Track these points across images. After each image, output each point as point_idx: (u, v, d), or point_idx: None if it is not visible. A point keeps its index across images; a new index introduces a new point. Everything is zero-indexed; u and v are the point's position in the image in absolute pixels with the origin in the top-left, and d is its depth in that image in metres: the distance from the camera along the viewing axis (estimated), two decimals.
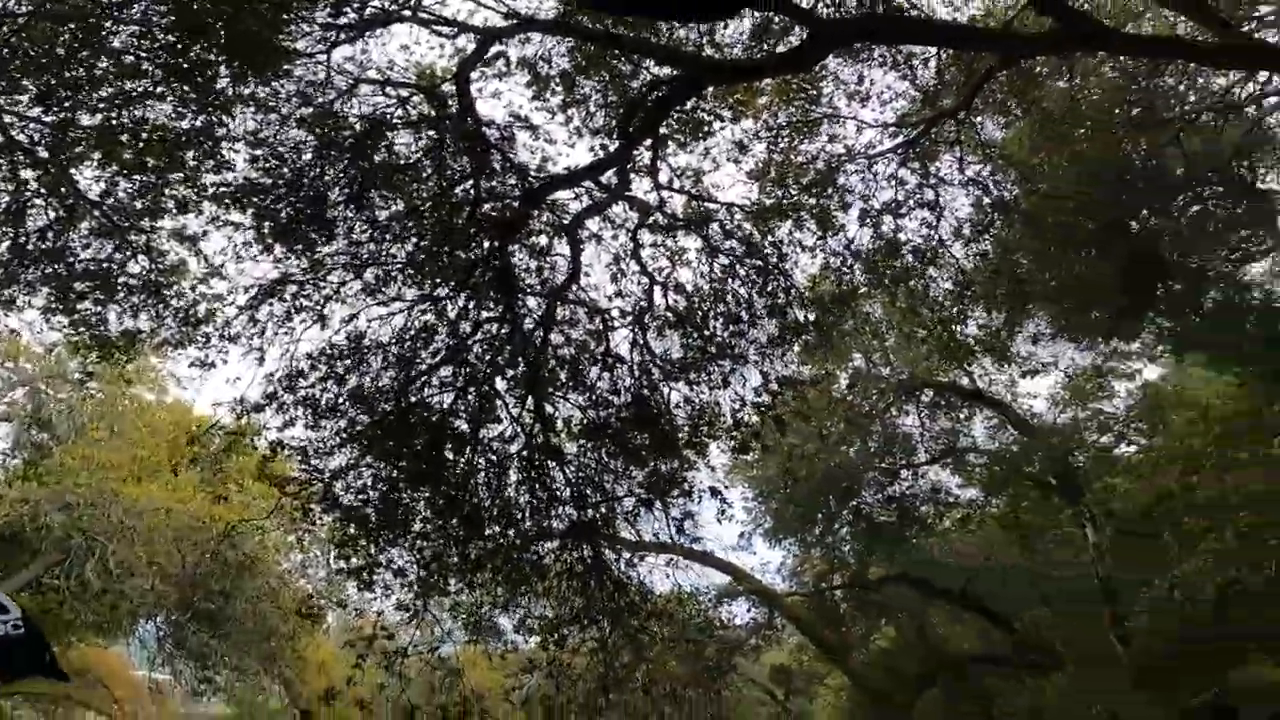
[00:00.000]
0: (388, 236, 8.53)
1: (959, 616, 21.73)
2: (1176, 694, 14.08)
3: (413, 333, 8.45)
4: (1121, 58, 12.28)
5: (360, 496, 8.21)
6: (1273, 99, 14.74)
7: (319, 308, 8.45)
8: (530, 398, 8.49)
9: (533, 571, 9.01)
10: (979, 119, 12.32)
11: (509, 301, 8.75)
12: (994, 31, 9.91)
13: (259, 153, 8.17)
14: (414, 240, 8.61)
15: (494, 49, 9.35)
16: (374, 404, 8.18)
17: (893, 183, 11.57)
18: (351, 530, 8.44)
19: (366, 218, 8.41)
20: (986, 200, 11.86)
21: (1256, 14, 13.84)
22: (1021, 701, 20.43)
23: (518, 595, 9.41)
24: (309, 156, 8.34)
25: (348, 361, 8.35)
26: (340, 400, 8.26)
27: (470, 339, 8.58)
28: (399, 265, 8.51)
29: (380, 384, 8.31)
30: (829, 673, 21.51)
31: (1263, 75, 13.59)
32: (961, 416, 20.10)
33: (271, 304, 8.29)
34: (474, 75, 9.16)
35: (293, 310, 8.37)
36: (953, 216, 11.91)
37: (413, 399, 8.22)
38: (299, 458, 8.38)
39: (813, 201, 11.14)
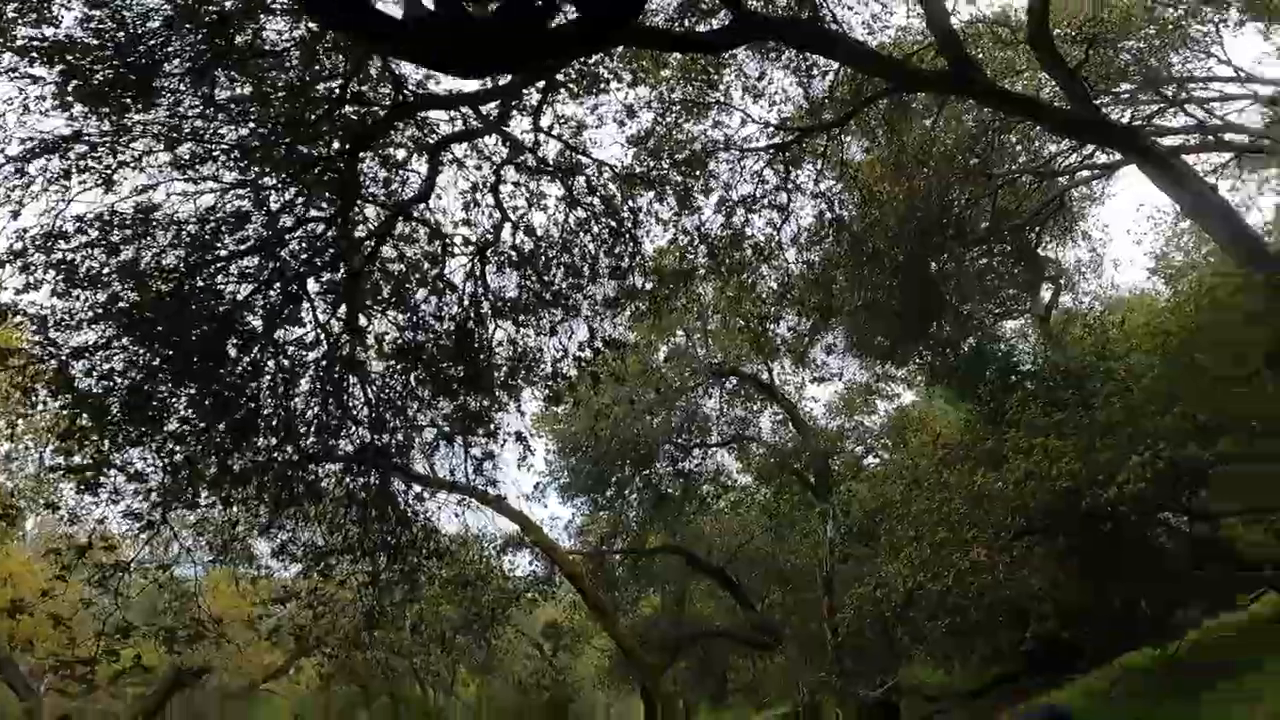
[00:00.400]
0: (221, 116, 7.29)
1: (715, 591, 23.54)
2: (862, 682, 16.45)
3: (220, 217, 7.30)
4: (983, 109, 13.56)
5: (104, 383, 6.94)
6: (1082, 173, 17.35)
7: (108, 172, 7.01)
8: (344, 306, 7.72)
9: (306, 493, 8.24)
10: (848, 138, 13.13)
11: (345, 205, 7.89)
12: (894, 61, 10.52)
13: (96, 13, 6.60)
14: (251, 126, 7.44)
15: None
16: (148, 281, 6.95)
17: (755, 179, 12.04)
18: (84, 421, 7.09)
19: (202, 94, 7.12)
20: (828, 215, 12.71)
21: (1115, 90, 16.14)
22: (748, 676, 22.75)
23: (282, 517, 8.51)
24: (156, 24, 6.87)
25: (127, 231, 7.03)
26: (106, 272, 6.92)
27: (289, 234, 7.62)
28: (226, 147, 7.30)
29: (163, 261, 7.08)
30: (597, 633, 22.27)
31: (1087, 148, 15.93)
32: (754, 408, 21.80)
33: (50, 159, 6.80)
34: None
35: (74, 169, 6.89)
36: (796, 223, 12.67)
37: (200, 284, 7.09)
38: (34, 327, 6.96)
39: (679, 179, 11.32)
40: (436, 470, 9.82)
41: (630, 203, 10.38)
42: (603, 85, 9.90)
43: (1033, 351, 17.69)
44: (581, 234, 9.88)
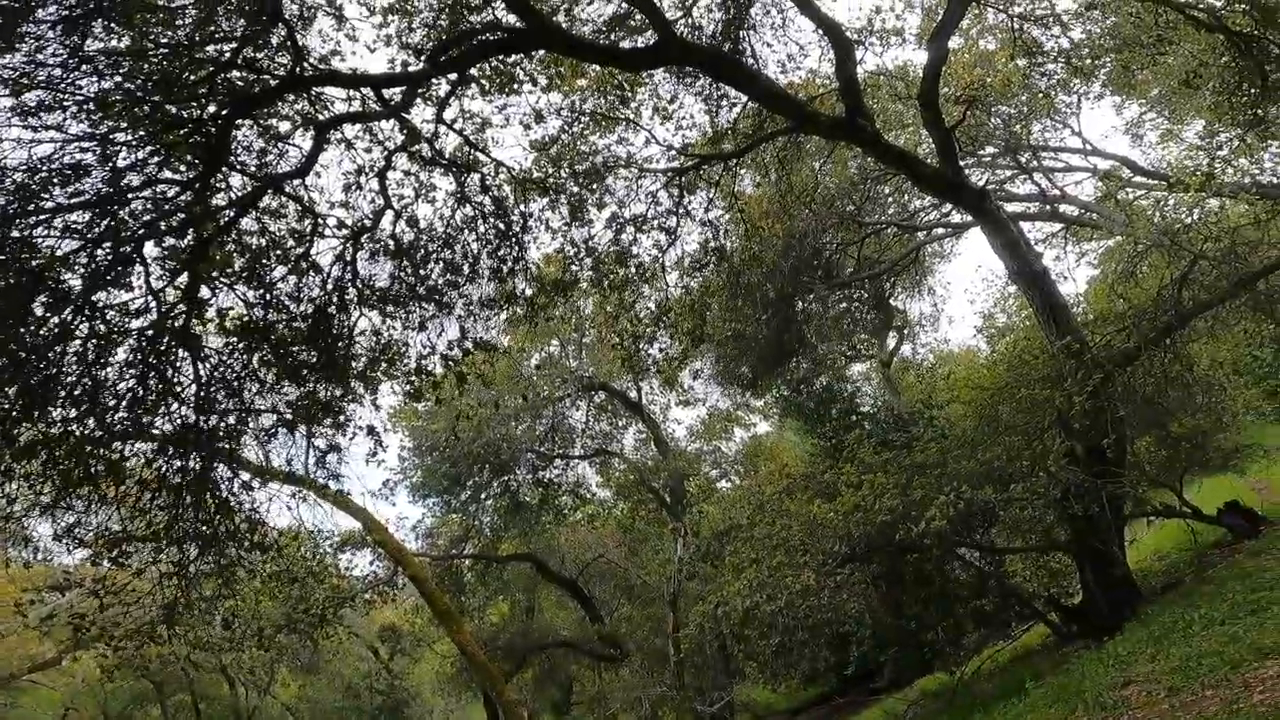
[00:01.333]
0: (85, 68, 6.58)
1: (565, 602, 23.42)
2: (700, 698, 16.93)
3: (54, 167, 6.54)
4: (866, 157, 14.29)
5: None
6: (939, 230, 18.70)
7: None
8: (186, 273, 7.12)
9: (106, 472, 7.17)
10: (743, 170, 13.58)
11: (207, 169, 7.32)
12: (800, 103, 10.85)
13: None
14: (117, 80, 6.76)
15: None
16: None
17: (650, 200, 12.20)
18: None
19: (70, 43, 6.40)
20: (712, 243, 12.98)
21: (980, 153, 17.40)
22: (593, 688, 22.73)
23: (72, 498, 7.45)
24: None
25: None
26: None
27: (134, 193, 6.97)
28: (82, 98, 6.57)
29: None
30: (440, 638, 21.57)
31: (946, 207, 17.18)
32: (620, 424, 22.09)
33: None
34: None
35: None
36: (681, 247, 12.91)
37: (14, 234, 6.31)
38: None
39: (576, 190, 11.30)
40: (272, 459, 9.06)
41: (522, 207, 10.33)
42: (516, 86, 9.83)
43: (873, 394, 19.19)
44: (467, 232, 9.73)
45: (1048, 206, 18.45)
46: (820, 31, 10.91)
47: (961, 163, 14.14)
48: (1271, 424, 18.02)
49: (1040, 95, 16.27)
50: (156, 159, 6.92)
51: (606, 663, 21.59)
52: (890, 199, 17.45)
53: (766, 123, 11.86)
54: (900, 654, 11.28)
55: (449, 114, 9.14)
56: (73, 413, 6.86)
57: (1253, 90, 11.14)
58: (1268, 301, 11.34)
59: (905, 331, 21.77)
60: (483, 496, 19.62)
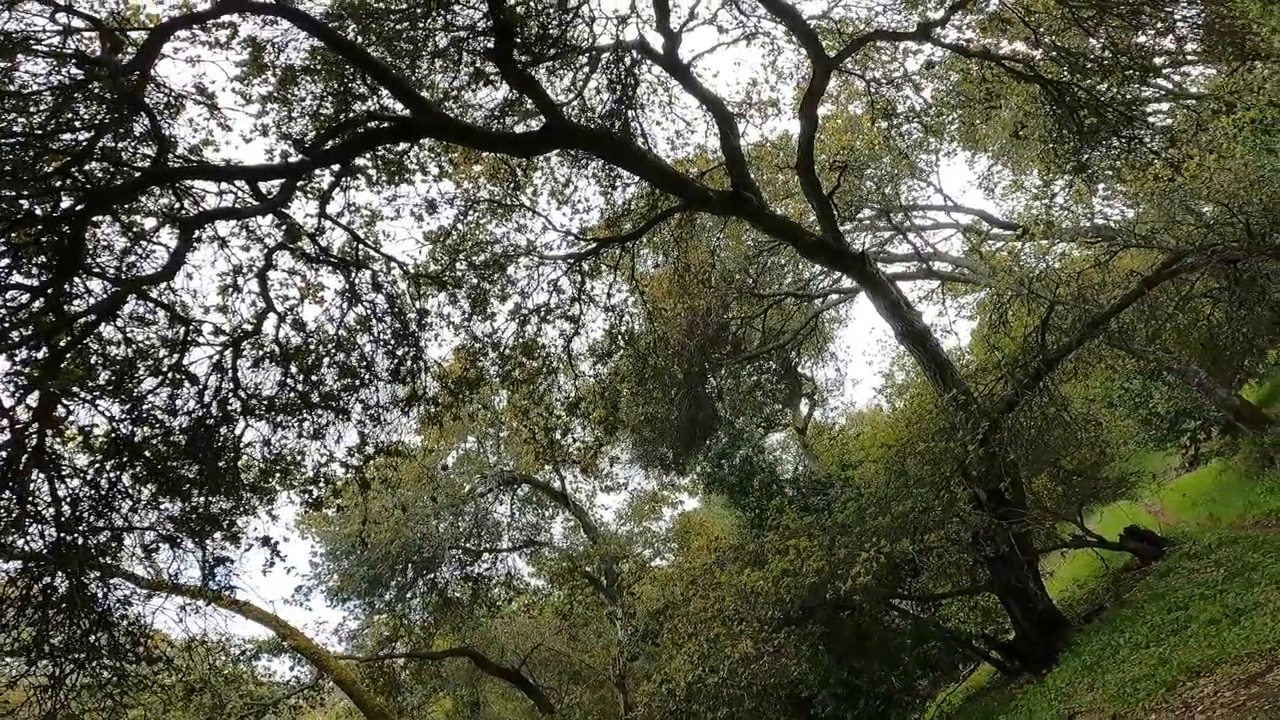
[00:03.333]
0: None
1: (511, 693, 21.58)
2: None
3: None
4: (757, 231, 14.20)
5: None
6: (833, 296, 18.82)
7: None
8: (37, 390, 6.15)
9: None
10: (643, 251, 13.28)
11: (60, 274, 6.48)
12: (687, 180, 10.59)
13: None
14: None
15: (228, 17, 7.46)
16: None
17: (552, 288, 11.58)
18: None
19: None
20: (618, 329, 12.39)
21: (859, 216, 17.64)
22: None
23: None
24: None
25: None
26: None
27: None
28: None
29: None
30: None
31: (836, 274, 17.21)
32: (547, 514, 20.97)
33: None
34: (181, 34, 7.19)
35: None
36: (587, 335, 12.22)
37: None
38: None
39: (475, 282, 10.74)
40: (158, 570, 8.00)
41: (419, 303, 9.69)
42: (407, 176, 9.24)
43: (793, 461, 18.94)
44: (360, 333, 8.98)
45: (923, 265, 18.95)
46: (704, 107, 10.98)
47: (843, 227, 14.40)
48: (1151, 450, 18.63)
49: (900, 156, 16.71)
50: (4, 261, 6.04)
51: None
52: (786, 269, 17.67)
53: (660, 202, 11.64)
54: (860, 710, 10.60)
55: (334, 207, 8.54)
56: None
57: (1073, 137, 11.63)
58: (1122, 338, 11.72)
59: (815, 398, 21.88)
60: (408, 595, 17.98)
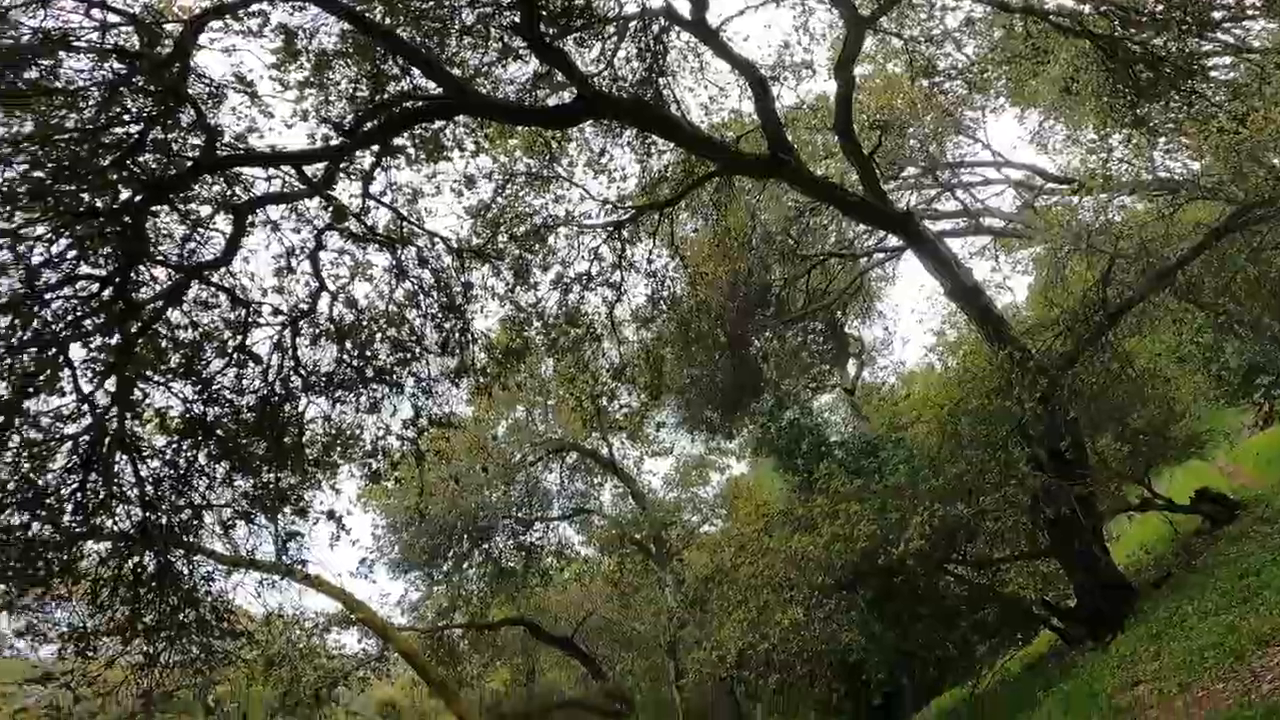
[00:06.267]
0: None
1: (565, 662, 22.42)
2: None
3: None
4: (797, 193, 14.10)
5: None
6: (879, 255, 18.64)
7: None
8: (113, 375, 6.61)
9: (60, 573, 6.92)
10: (681, 216, 13.29)
11: (127, 264, 6.89)
12: (722, 145, 10.63)
13: None
14: (23, 168, 6.39)
15: (258, 5, 7.64)
16: None
17: (592, 256, 11.78)
18: None
19: None
20: (660, 294, 12.61)
21: (903, 175, 17.40)
22: None
23: (26, 598, 7.19)
24: None
25: None
26: None
27: (53, 292, 6.50)
28: None
29: None
30: (440, 710, 20.38)
31: (881, 233, 17.09)
32: (595, 481, 21.42)
33: None
34: (214, 24, 7.37)
35: None
36: (629, 301, 12.46)
37: None
38: None
39: (517, 253, 10.90)
40: (236, 547, 8.59)
41: (463, 276, 9.94)
42: (444, 153, 9.38)
43: (841, 423, 18.87)
44: (409, 308, 9.29)
45: (973, 221, 18.61)
46: (736, 71, 10.84)
47: (886, 186, 14.11)
48: (1223, 408, 17.95)
49: (944, 114, 16.37)
50: (73, 253, 6.45)
51: (614, 718, 20.59)
52: (829, 229, 17.42)
53: (696, 167, 11.61)
54: (911, 675, 10.79)
55: (376, 187, 8.74)
56: (14, 520, 6.50)
57: (1129, 92, 11.22)
58: (1189, 290, 11.28)
59: (863, 358, 21.63)
60: (465, 566, 18.74)
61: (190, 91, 7.19)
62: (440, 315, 9.47)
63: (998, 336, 10.72)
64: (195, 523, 7.45)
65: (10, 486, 6.32)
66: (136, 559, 7.18)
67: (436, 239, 9.57)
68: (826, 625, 10.50)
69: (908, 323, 63.24)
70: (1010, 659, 11.60)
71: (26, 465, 6.39)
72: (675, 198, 11.84)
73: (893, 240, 17.60)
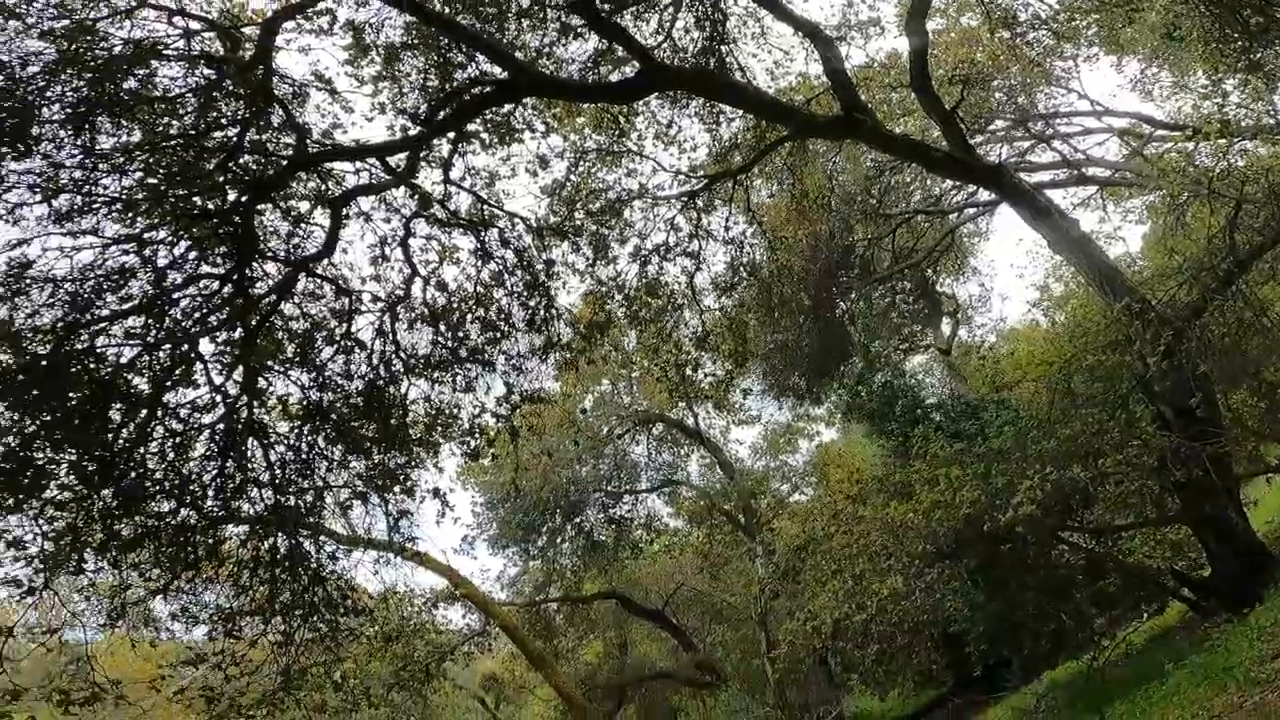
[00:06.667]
0: (104, 166, 6.75)
1: (656, 634, 22.91)
2: (805, 714, 16.05)
3: (101, 273, 6.71)
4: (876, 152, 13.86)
5: None
6: (969, 210, 17.95)
7: None
8: (241, 367, 7.14)
9: (206, 556, 7.55)
10: (756, 183, 13.10)
11: (241, 261, 7.39)
12: (791, 108, 10.51)
13: None
14: (139, 176, 6.93)
15: (324, 4, 8.02)
16: (23, 344, 6.30)
17: (669, 227, 11.85)
18: None
19: (83, 143, 6.59)
20: (739, 261, 12.54)
21: (991, 128, 16.71)
22: (696, 715, 22.06)
23: (179, 580, 7.77)
24: (35, 70, 6.37)
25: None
26: None
27: (178, 292, 7.05)
28: (108, 199, 6.76)
29: (38, 322, 6.43)
30: (539, 683, 21.33)
31: (970, 186, 16.45)
32: (682, 452, 21.57)
33: None
34: (288, 25, 7.75)
35: None
36: (709, 269, 12.48)
37: (79, 346, 6.47)
38: None
39: (594, 229, 11.06)
40: (353, 528, 9.19)
41: (544, 254, 10.13)
42: (516, 135, 9.63)
43: (937, 385, 18.18)
44: (495, 288, 9.56)
45: (1074, 172, 17.58)
46: (799, 34, 10.53)
47: (973, 140, 13.42)
48: None
49: (1032, 65, 15.54)
50: (193, 254, 6.97)
51: (705, 689, 20.93)
52: (913, 187, 16.73)
53: (768, 132, 11.42)
54: (1019, 647, 10.43)
55: (455, 173, 9.03)
56: (167, 505, 7.12)
57: (1240, 36, 10.24)
58: None
59: (958, 316, 20.72)
60: (559, 540, 19.35)
61: (276, 92, 7.57)
62: (525, 293, 9.72)
63: (1111, 288, 10.06)
64: (319, 504, 7.96)
65: (158, 475, 6.91)
66: (270, 540, 7.72)
67: (516, 219, 9.80)
68: (928, 595, 10.25)
69: (1006, 278, 59.97)
70: (1134, 631, 11.01)
71: (171, 454, 6.95)
72: (748, 164, 11.75)
73: (984, 195, 16.84)
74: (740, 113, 11.43)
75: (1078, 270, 11.43)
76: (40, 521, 6.60)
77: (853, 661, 12.19)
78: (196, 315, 7.05)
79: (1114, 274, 10.46)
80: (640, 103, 10.94)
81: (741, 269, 12.63)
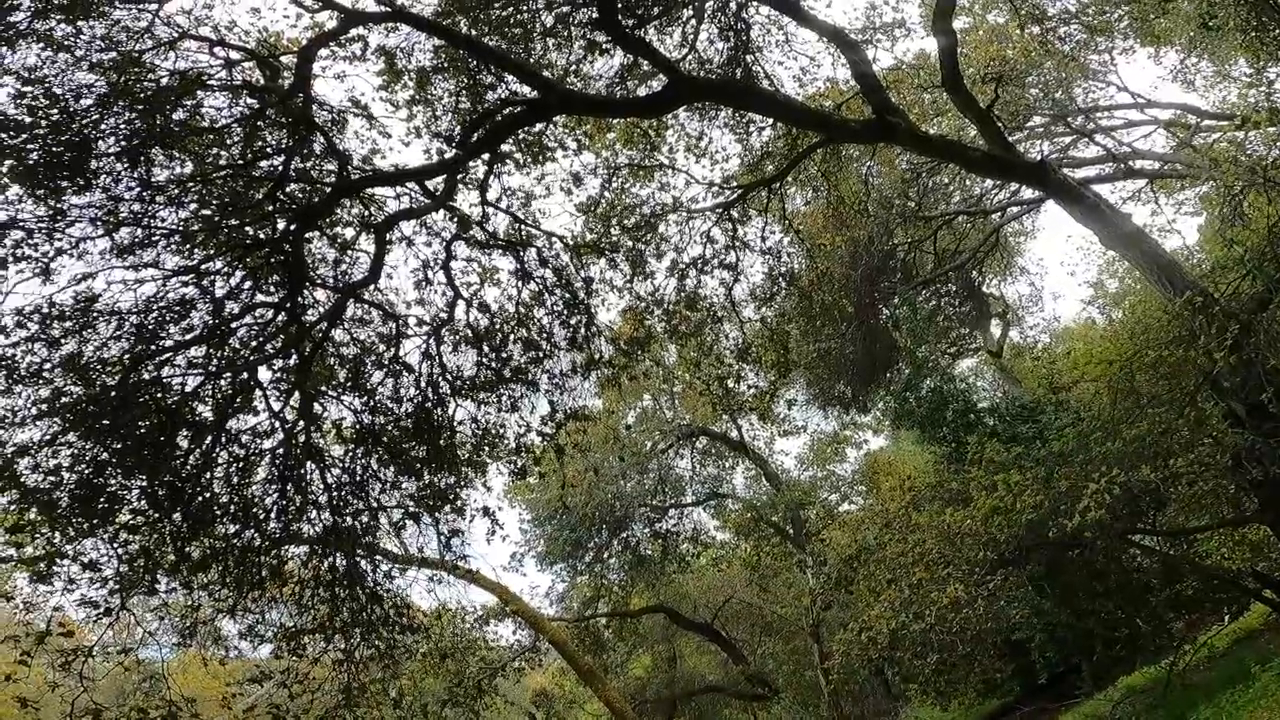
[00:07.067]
0: (159, 199, 7.05)
1: (705, 647, 22.65)
2: None
3: (164, 304, 6.99)
4: (911, 154, 13.71)
5: (51, 478, 6.52)
6: (1013, 209, 17.53)
7: (45, 260, 6.70)
8: (297, 393, 7.34)
9: (270, 576, 7.80)
10: (790, 190, 12.98)
11: (293, 289, 7.62)
12: (822, 114, 10.45)
13: (30, 90, 6.44)
14: (193, 207, 7.22)
15: (355, 31, 8.29)
16: (92, 376, 6.58)
17: (704, 239, 11.77)
18: (32, 515, 6.68)
19: (139, 175, 6.89)
20: (778, 270, 12.44)
21: (1029, 125, 16.37)
22: None
23: (246, 600, 8.02)
24: (89, 102, 6.70)
25: (68, 324, 6.67)
26: (48, 366, 6.55)
27: (236, 321, 7.29)
28: (166, 231, 7.05)
29: (106, 354, 6.72)
30: (589, 698, 21.27)
31: (1013, 185, 16.09)
32: (727, 465, 21.36)
33: None
34: (322, 53, 8.04)
35: (10, 259, 6.53)
36: (748, 280, 12.37)
37: (146, 376, 6.73)
38: None
39: (630, 244, 11.10)
40: (406, 547, 9.35)
41: (582, 272, 10.19)
42: (548, 154, 9.78)
43: (989, 388, 17.66)
44: (536, 307, 9.65)
45: (1121, 165, 17.02)
46: (824, 39, 10.44)
47: (1011, 138, 13.12)
48: None
49: (1066, 59, 15.21)
50: (248, 284, 7.19)
51: (757, 702, 20.57)
52: (952, 188, 16.39)
53: (800, 140, 11.34)
54: (1089, 653, 9.99)
55: (492, 194, 9.17)
56: (232, 527, 7.41)
57: (1273, 25, 9.85)
58: None
59: (1008, 317, 20.14)
60: (606, 556, 19.32)
61: (316, 120, 7.80)
62: (565, 312, 9.78)
63: (1170, 282, 9.66)
64: (373, 524, 8.12)
65: (223, 499, 7.14)
66: (329, 560, 7.90)
67: (554, 238, 9.91)
68: (991, 603, 9.91)
69: (1057, 276, 57.97)
70: (1216, 635, 10.48)
71: (235, 478, 7.18)
72: (781, 173, 11.63)
73: (1027, 192, 16.42)
74: (771, 121, 11.39)
75: (1133, 265, 11.02)
76: (114, 545, 6.90)
77: (911, 672, 11.84)
78: (254, 344, 7.27)
79: (1172, 268, 10.05)
80: (670, 116, 10.98)
81: (780, 279, 12.49)
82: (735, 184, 11.77)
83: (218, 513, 7.25)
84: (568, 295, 9.78)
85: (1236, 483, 8.66)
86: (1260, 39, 10.58)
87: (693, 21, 10.42)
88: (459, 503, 8.73)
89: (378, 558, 8.62)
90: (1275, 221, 9.41)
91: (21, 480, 6.48)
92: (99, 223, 6.71)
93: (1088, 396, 10.59)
